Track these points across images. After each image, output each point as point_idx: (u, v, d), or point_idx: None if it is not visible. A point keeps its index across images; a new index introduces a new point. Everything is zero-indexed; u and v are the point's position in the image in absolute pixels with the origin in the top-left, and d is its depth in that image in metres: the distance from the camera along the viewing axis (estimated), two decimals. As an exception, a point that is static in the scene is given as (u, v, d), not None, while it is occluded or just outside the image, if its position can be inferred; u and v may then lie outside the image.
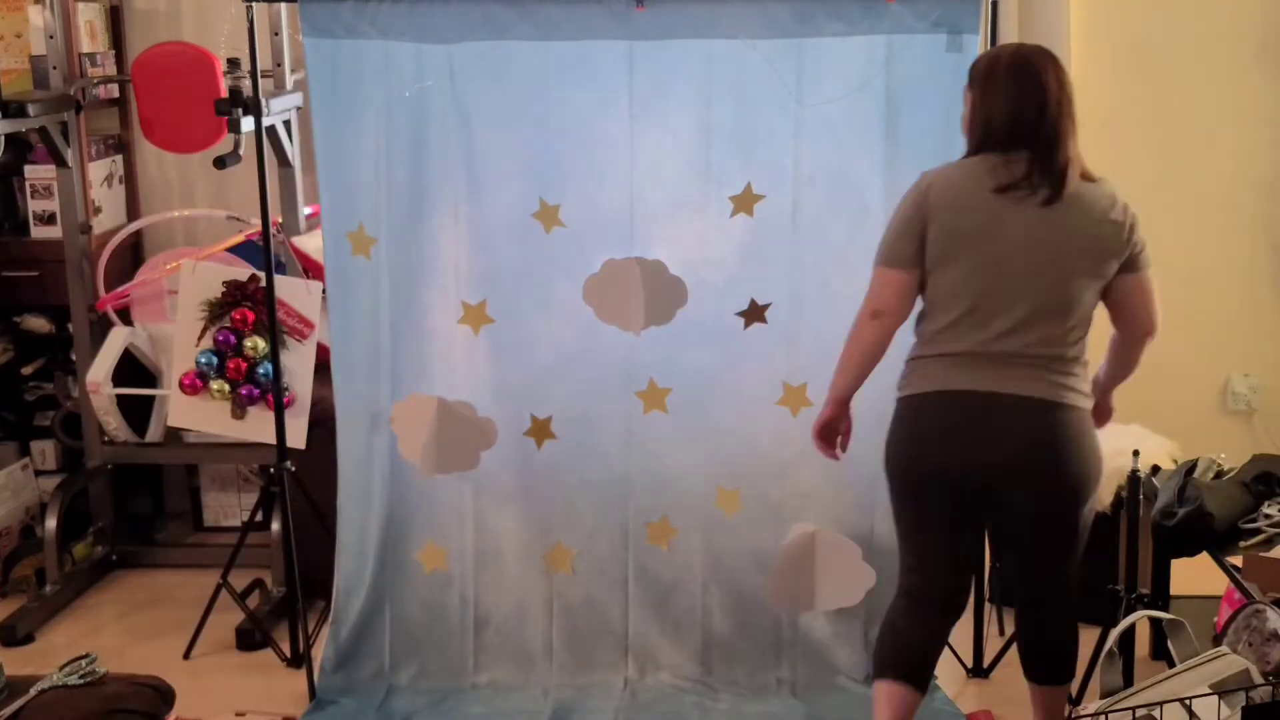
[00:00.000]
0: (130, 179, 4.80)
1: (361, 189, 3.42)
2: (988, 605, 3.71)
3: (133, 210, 4.79)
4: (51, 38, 4.31)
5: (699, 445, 3.52)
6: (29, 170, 4.51)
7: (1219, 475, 3.22)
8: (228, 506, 4.73)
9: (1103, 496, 3.83)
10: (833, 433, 3.00)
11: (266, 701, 3.58)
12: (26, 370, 4.67)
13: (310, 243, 4.18)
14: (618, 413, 3.50)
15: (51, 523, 4.23)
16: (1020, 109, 2.72)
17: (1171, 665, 2.62)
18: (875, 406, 3.44)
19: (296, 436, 3.75)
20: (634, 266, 3.37)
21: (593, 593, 3.59)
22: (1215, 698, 2.31)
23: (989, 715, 3.45)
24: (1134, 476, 3.18)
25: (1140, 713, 2.36)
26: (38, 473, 4.63)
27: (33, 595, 4.21)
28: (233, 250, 4.23)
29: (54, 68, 4.33)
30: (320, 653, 3.63)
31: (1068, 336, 2.74)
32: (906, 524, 2.89)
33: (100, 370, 4.22)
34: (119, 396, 4.27)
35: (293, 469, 3.66)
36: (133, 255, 4.74)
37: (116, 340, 4.30)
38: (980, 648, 3.67)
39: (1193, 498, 3.05)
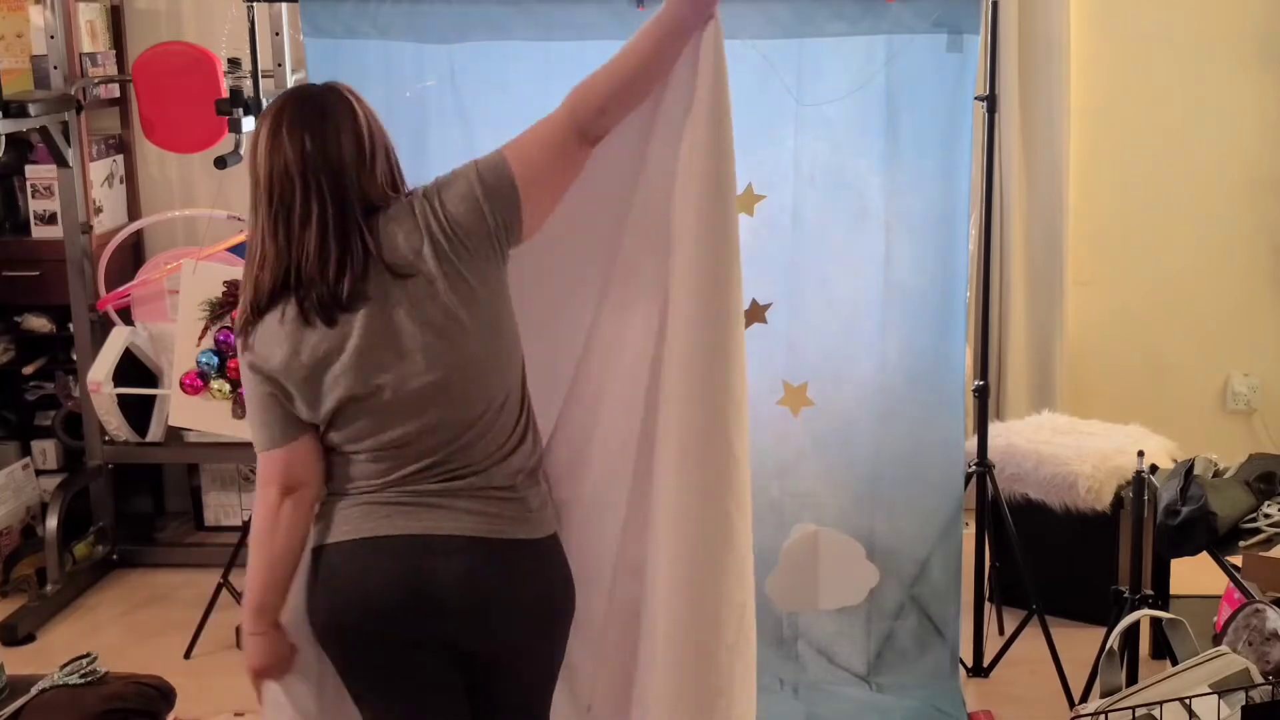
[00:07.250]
0: (131, 179, 4.81)
1: (362, 189, 3.41)
2: (988, 605, 3.71)
3: (133, 210, 4.80)
4: (52, 38, 4.32)
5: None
6: (30, 170, 4.51)
7: (1216, 474, 3.21)
8: (228, 506, 4.73)
9: (1102, 496, 3.83)
10: (276, 668, 2.21)
11: (267, 701, 3.57)
12: (27, 370, 4.67)
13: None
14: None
15: (52, 522, 4.23)
16: None
17: (1175, 664, 2.62)
18: (874, 404, 3.46)
19: (297, 436, 3.74)
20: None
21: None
22: (1215, 697, 2.31)
23: (989, 715, 3.45)
24: (1139, 476, 3.17)
25: (1140, 712, 2.36)
26: (39, 472, 4.63)
27: (33, 595, 4.22)
28: (233, 250, 4.23)
29: (55, 67, 4.33)
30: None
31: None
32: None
33: (101, 370, 4.23)
34: (120, 396, 4.27)
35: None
36: (133, 255, 4.74)
37: (117, 340, 4.31)
38: (980, 648, 3.67)
39: (1196, 496, 3.04)
